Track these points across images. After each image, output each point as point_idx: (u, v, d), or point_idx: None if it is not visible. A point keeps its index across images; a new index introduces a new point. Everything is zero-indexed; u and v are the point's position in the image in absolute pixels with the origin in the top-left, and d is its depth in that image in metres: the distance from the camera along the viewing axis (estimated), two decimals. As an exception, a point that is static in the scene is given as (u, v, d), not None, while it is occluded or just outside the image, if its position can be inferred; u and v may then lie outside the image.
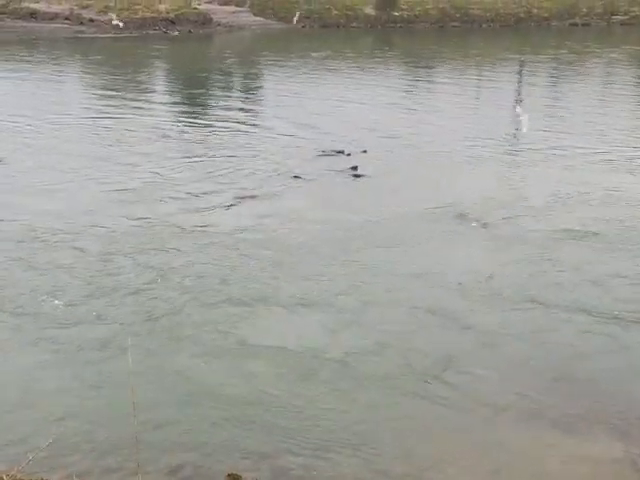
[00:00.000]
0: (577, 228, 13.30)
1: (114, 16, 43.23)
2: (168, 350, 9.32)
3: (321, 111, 23.67)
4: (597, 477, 7.07)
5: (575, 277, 11.36)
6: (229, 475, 6.95)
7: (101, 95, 26.72)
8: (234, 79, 32.18)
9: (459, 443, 7.68)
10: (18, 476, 6.21)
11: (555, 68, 34.32)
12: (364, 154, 18.26)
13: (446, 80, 30.85)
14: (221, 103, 25.86)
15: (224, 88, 29.42)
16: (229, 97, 27.09)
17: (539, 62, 35.67)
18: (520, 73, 33.31)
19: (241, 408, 8.20)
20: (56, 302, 10.42)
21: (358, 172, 16.76)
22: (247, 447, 7.56)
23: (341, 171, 16.89)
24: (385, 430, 7.88)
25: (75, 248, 12.32)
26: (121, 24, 42.14)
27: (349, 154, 18.17)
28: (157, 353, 9.20)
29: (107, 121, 22.07)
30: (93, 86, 29.18)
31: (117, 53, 38.04)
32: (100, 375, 8.75)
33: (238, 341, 9.55)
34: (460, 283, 11.13)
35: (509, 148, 19.32)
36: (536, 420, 8.04)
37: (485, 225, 13.56)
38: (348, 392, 8.52)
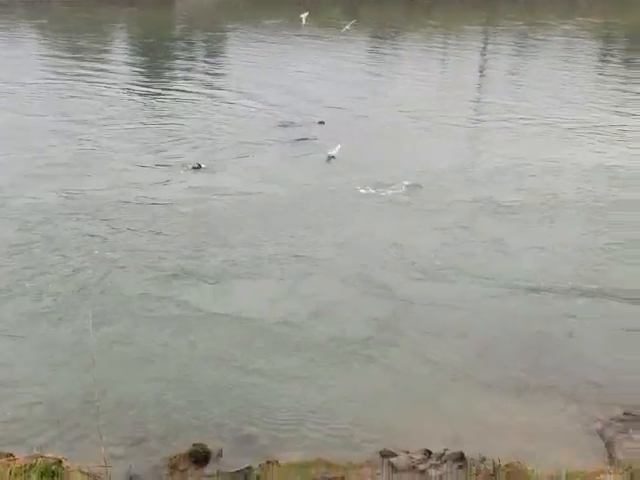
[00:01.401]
0: (505, 199, 13.52)
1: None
2: (112, 321, 9.30)
3: (280, 82, 23.48)
4: (553, 439, 7.27)
5: (490, 248, 11.58)
6: (194, 445, 6.99)
7: (50, 62, 26.13)
8: (192, 47, 31.68)
9: (414, 409, 7.84)
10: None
11: (516, 41, 34.50)
12: (321, 125, 18.25)
13: (410, 52, 30.81)
14: (176, 72, 25.49)
15: (180, 57, 28.93)
16: (185, 66, 26.65)
17: (502, 34, 35.80)
18: (484, 46, 33.45)
19: (193, 376, 8.26)
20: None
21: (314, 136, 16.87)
22: (210, 417, 7.62)
23: (291, 143, 16.86)
24: (344, 398, 7.99)
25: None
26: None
27: (294, 123, 18.15)
28: (104, 324, 9.14)
29: (52, 88, 21.69)
30: (42, 52, 28.44)
31: (71, 18, 37.07)
32: (55, 347, 8.72)
33: (176, 311, 9.63)
34: (382, 253, 11.31)
35: (461, 120, 19.43)
36: (468, 382, 8.30)
37: (415, 196, 13.71)
38: (305, 359, 8.65)
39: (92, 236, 11.76)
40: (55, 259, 10.93)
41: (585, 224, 12.55)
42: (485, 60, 29.88)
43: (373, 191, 13.90)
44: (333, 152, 15.81)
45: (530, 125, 18.93)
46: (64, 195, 13.38)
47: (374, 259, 11.18)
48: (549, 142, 17.49)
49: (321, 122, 18.43)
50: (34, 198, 13.17)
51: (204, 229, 12.11)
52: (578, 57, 30.31)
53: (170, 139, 16.98)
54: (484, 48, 32.88)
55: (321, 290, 10.27)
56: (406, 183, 14.24)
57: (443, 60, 30.28)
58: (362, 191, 13.90)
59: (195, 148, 16.34)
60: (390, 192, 13.90)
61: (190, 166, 14.99)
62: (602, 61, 30.47)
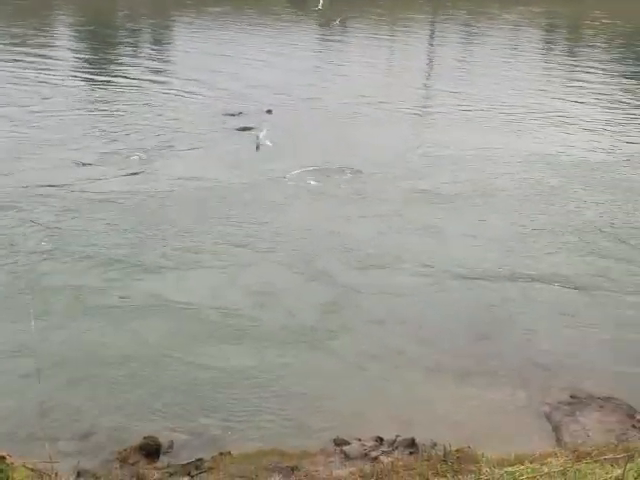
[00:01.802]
0: (442, 187, 13.67)
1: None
2: (48, 313, 9.05)
3: (229, 70, 23.30)
4: (502, 424, 7.39)
5: (425, 235, 11.73)
6: (145, 438, 6.91)
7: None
8: (139, 35, 31.18)
9: (366, 396, 7.88)
10: None
11: (461, 29, 34.85)
12: (268, 114, 18.16)
13: (357, 40, 30.84)
14: (122, 59, 25.04)
15: (127, 44, 28.47)
16: (131, 53, 26.24)
17: (447, 22, 36.11)
18: (430, 34, 33.71)
19: (141, 369, 8.15)
20: None
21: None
22: (161, 409, 7.53)
23: (234, 132, 16.72)
24: (295, 386, 7.99)
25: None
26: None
27: (240, 113, 17.94)
28: (40, 318, 8.81)
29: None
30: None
31: (6, 2, 36.08)
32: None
33: (120, 301, 9.49)
34: (320, 241, 11.34)
35: (407, 108, 19.56)
36: (416, 369, 8.40)
37: (356, 184, 13.77)
38: (252, 349, 8.61)
39: (24, 227, 11.46)
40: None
41: (519, 212, 12.75)
42: (431, 48, 30.15)
43: (313, 179, 13.90)
44: (260, 137, 15.68)
45: (473, 112, 19.22)
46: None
47: (313, 248, 11.17)
48: (491, 130, 17.75)
49: (269, 111, 18.30)
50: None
51: (139, 220, 11.90)
52: (522, 45, 30.83)
53: (108, 128, 16.66)
54: (430, 36, 33.16)
55: (262, 279, 10.21)
56: (347, 171, 14.31)
57: (390, 47, 30.43)
58: (302, 179, 13.88)
59: (135, 138, 16.05)
60: (331, 180, 13.93)
61: (127, 156, 14.74)
62: (545, 49, 31.05)
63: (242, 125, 16.99)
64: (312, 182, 13.76)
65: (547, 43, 33.07)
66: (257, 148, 15.62)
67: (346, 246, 11.23)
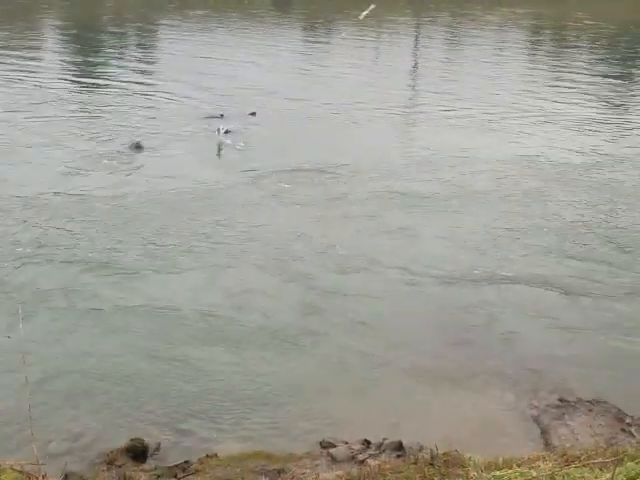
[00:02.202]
0: (418, 189, 13.67)
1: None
2: (32, 316, 8.99)
3: (214, 72, 23.24)
4: (489, 427, 7.41)
5: (399, 239, 11.72)
6: (132, 440, 6.87)
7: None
8: (127, 37, 31.03)
9: (351, 398, 7.88)
10: None
11: (446, 30, 34.99)
12: (252, 116, 18.12)
13: (343, 42, 30.85)
14: (107, 62, 24.96)
15: (114, 46, 28.33)
16: (116, 56, 26.12)
17: (431, 25, 36.25)
18: (415, 36, 33.80)
19: (126, 370, 8.11)
20: None
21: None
22: (148, 411, 7.50)
23: (213, 135, 16.65)
24: (280, 389, 7.97)
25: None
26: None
27: (222, 115, 17.83)
28: (24, 319, 8.86)
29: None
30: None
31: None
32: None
33: (99, 304, 9.44)
34: (295, 244, 11.34)
35: (390, 110, 19.58)
36: (401, 372, 8.39)
37: (331, 186, 13.77)
38: (238, 351, 8.59)
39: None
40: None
41: (494, 214, 12.77)
42: (416, 50, 30.21)
43: (288, 182, 13.88)
44: (221, 135, 15.60)
45: (455, 114, 19.27)
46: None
47: (288, 250, 11.16)
48: (470, 132, 17.80)
49: (252, 113, 18.23)
50: None
51: (117, 223, 11.84)
52: (507, 46, 30.97)
53: (90, 130, 16.60)
54: (415, 38, 33.25)
55: (239, 282, 10.19)
56: (324, 173, 14.32)
57: (376, 49, 30.49)
58: (278, 182, 13.87)
59: (116, 139, 15.99)
60: (308, 182, 13.92)
61: (109, 158, 14.69)
62: (530, 50, 31.23)
63: (226, 128, 16.91)
64: (288, 185, 13.74)
65: (531, 44, 33.26)
66: (218, 152, 15.58)
67: (322, 249, 11.21)
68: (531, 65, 27.32)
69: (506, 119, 18.86)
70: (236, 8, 37.02)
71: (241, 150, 15.75)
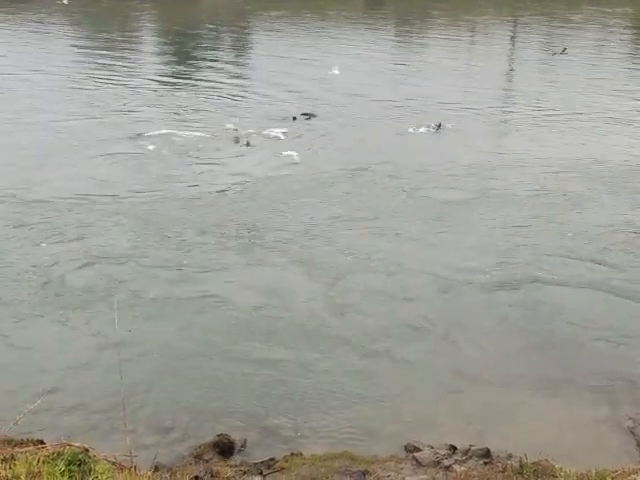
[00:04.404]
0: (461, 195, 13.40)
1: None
2: (124, 313, 9.11)
3: (304, 74, 23.35)
4: (582, 437, 7.18)
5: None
6: (219, 435, 6.99)
7: (73, 51, 26.63)
8: (220, 42, 31.58)
9: (437, 403, 7.78)
10: (7, 436, 6.20)
11: (548, 30, 34.07)
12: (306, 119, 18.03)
13: (437, 42, 30.47)
14: (202, 64, 25.45)
15: (208, 48, 28.88)
16: (211, 59, 26.62)
17: (532, 23, 35.34)
18: (512, 36, 33.06)
19: (220, 368, 8.25)
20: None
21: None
22: (234, 408, 7.61)
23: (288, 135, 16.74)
24: (365, 390, 7.95)
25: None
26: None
27: (309, 117, 17.99)
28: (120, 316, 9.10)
29: (77, 77, 22.03)
30: (67, 42, 28.59)
31: (99, 12, 37.05)
32: (82, 337, 8.76)
33: (180, 301, 9.66)
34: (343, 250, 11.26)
35: (483, 113, 19.18)
36: (488, 378, 8.18)
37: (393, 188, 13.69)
38: (319, 353, 8.61)
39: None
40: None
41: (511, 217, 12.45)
42: (512, 52, 29.52)
43: (345, 177, 14.09)
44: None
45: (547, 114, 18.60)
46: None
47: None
48: (559, 133, 17.24)
49: (308, 116, 18.14)
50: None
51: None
52: (608, 47, 29.88)
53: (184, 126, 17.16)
54: (512, 39, 32.47)
55: (342, 289, 10.14)
56: (380, 173, 14.34)
57: (470, 49, 29.98)
58: (335, 177, 14.09)
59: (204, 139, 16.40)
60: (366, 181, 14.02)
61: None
62: (630, 50, 30.04)
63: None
64: (344, 183, 13.86)
65: (631, 43, 31.98)
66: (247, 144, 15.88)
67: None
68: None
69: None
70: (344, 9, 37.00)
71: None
